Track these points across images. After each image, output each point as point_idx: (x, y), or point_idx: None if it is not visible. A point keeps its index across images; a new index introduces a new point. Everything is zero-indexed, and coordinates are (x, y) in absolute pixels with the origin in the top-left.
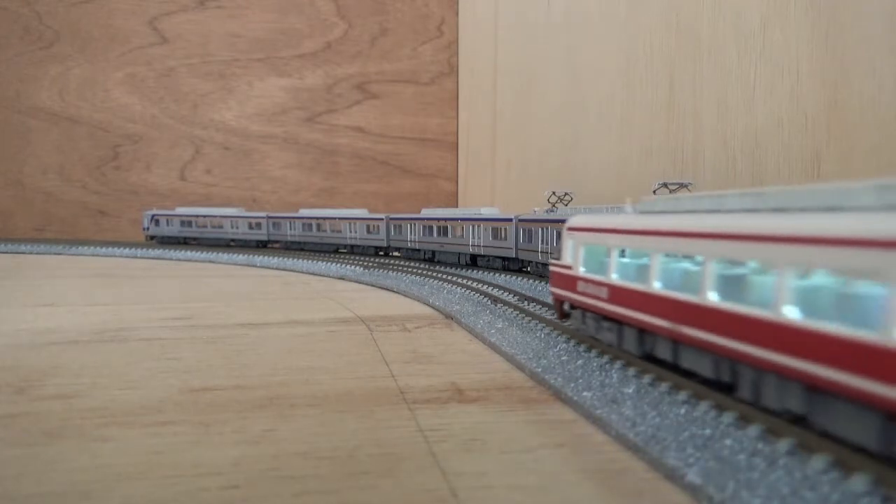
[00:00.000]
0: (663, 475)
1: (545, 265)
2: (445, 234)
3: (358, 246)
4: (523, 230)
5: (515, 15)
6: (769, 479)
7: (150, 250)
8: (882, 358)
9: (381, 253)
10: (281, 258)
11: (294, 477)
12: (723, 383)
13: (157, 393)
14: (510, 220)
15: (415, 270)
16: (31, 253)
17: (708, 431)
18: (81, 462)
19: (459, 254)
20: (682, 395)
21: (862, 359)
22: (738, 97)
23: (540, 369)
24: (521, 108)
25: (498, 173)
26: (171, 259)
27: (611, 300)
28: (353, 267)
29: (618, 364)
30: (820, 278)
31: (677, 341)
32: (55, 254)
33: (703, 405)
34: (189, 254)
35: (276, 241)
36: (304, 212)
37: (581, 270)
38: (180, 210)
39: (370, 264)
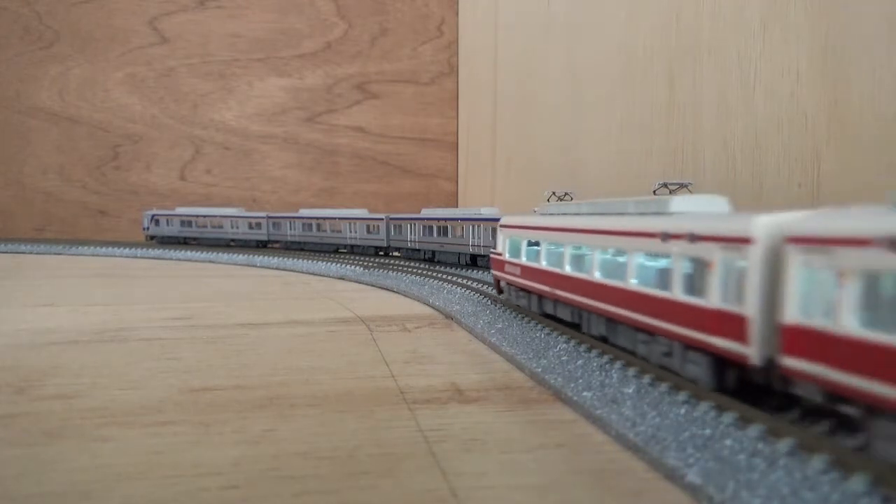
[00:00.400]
0: (663, 475)
1: None
2: (445, 234)
3: (358, 246)
4: None
5: (515, 15)
6: (769, 480)
7: (150, 250)
8: (645, 301)
9: (381, 253)
10: (281, 258)
11: (294, 477)
12: (575, 324)
13: (157, 393)
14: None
15: (415, 270)
16: (31, 253)
17: (708, 431)
18: (81, 462)
19: (459, 254)
20: (682, 396)
21: (634, 302)
22: (738, 97)
23: (540, 369)
24: (521, 108)
25: (498, 173)
26: (171, 259)
27: (522, 276)
28: (353, 267)
29: (618, 364)
30: (617, 256)
31: (555, 300)
32: (55, 254)
33: (703, 405)
34: (189, 254)
35: (276, 241)
36: (304, 212)
37: (506, 256)
38: (180, 210)
39: (370, 264)
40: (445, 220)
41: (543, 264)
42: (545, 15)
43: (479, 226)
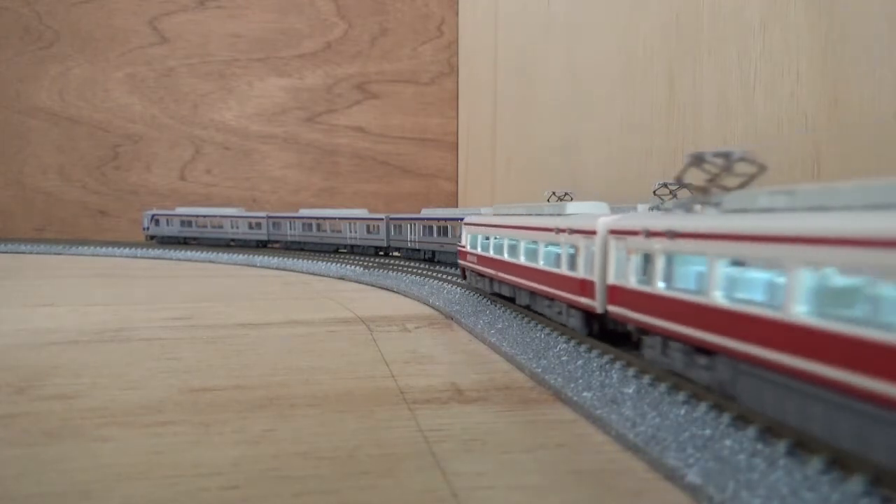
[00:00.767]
0: (663, 475)
1: None
2: (445, 234)
3: (358, 246)
4: None
5: (515, 15)
6: (769, 480)
7: (150, 250)
8: (548, 277)
9: (381, 253)
10: (281, 258)
11: (294, 477)
12: (511, 298)
13: (157, 393)
14: None
15: (415, 270)
16: (31, 253)
17: (708, 432)
18: (81, 462)
19: None
20: (682, 396)
21: (543, 278)
22: (738, 97)
23: (540, 369)
24: (521, 108)
25: (498, 173)
26: (171, 259)
27: (478, 264)
28: (353, 267)
29: (618, 364)
30: (533, 245)
31: (499, 281)
32: (55, 254)
33: (702, 405)
34: (189, 254)
35: (276, 241)
36: (304, 212)
37: (468, 248)
38: (180, 210)
39: (370, 264)
40: (445, 220)
41: (491, 254)
42: (545, 15)
43: None
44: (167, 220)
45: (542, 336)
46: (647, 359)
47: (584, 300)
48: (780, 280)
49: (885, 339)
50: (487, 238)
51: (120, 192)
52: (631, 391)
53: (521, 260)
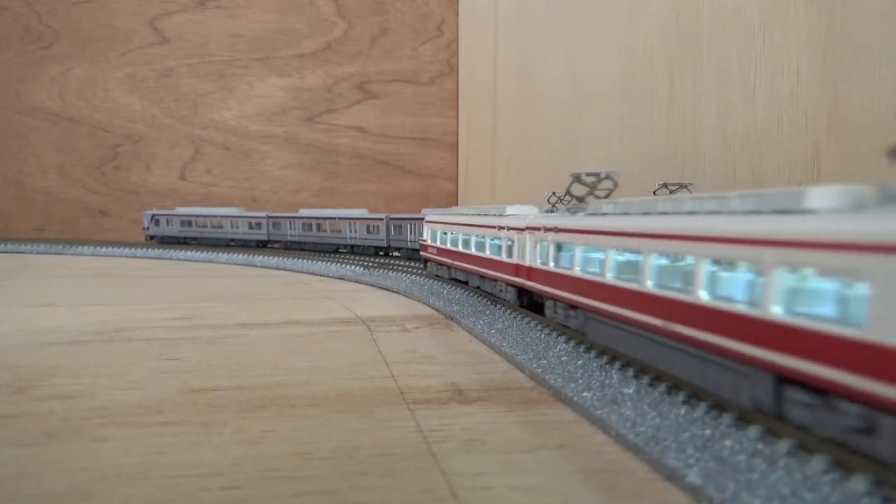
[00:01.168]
0: (663, 476)
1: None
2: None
3: (358, 246)
4: None
5: (515, 15)
6: (769, 480)
7: (150, 250)
8: (492, 263)
9: (381, 253)
10: (281, 258)
11: (294, 477)
12: (465, 282)
13: (157, 393)
14: None
15: (415, 270)
16: (31, 253)
17: (708, 432)
18: (81, 462)
19: None
20: (682, 396)
21: (488, 264)
22: (738, 97)
23: (540, 370)
24: (521, 108)
25: (498, 173)
26: (171, 259)
27: (438, 255)
28: (353, 267)
29: (618, 364)
30: (481, 239)
31: (456, 269)
32: (55, 254)
33: (702, 406)
34: (189, 254)
35: (276, 241)
36: (304, 212)
37: (429, 242)
38: (180, 210)
39: (370, 264)
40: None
41: (449, 246)
42: (545, 15)
43: None
44: (167, 220)
45: (542, 336)
46: (548, 316)
47: (516, 279)
48: (602, 258)
49: (650, 291)
50: (445, 233)
51: (120, 192)
52: (631, 391)
53: (473, 251)
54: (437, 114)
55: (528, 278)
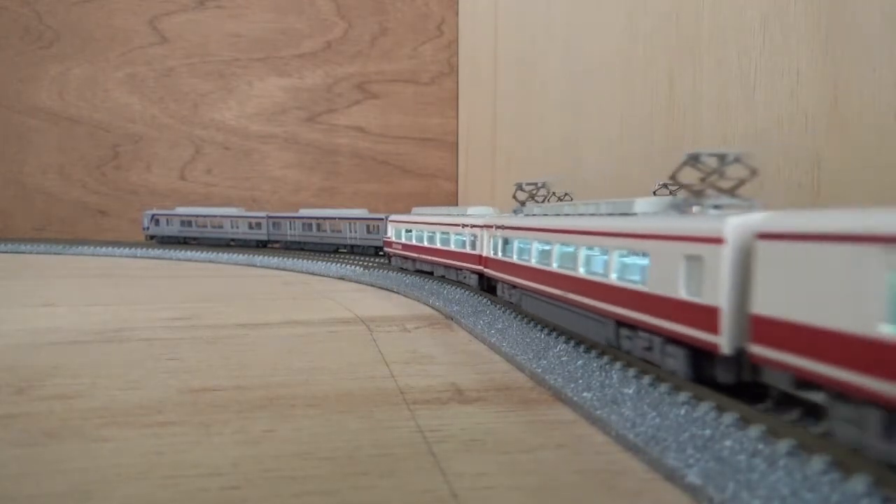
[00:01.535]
0: (663, 476)
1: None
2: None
3: (358, 246)
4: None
5: (515, 15)
6: (769, 480)
7: (150, 250)
8: (457, 255)
9: (382, 253)
10: (281, 258)
11: (294, 477)
12: (426, 272)
13: (157, 393)
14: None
15: (415, 270)
16: (31, 253)
17: (708, 432)
18: (81, 462)
19: None
20: (682, 396)
21: (453, 256)
22: (738, 97)
23: (540, 370)
24: (521, 107)
25: (498, 173)
26: (171, 259)
27: (403, 250)
28: (353, 267)
29: (618, 365)
30: (445, 235)
31: (420, 261)
32: (55, 254)
33: (703, 406)
34: (189, 254)
35: (276, 241)
36: (304, 212)
37: (394, 239)
38: (180, 210)
39: (370, 264)
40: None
41: (413, 241)
42: (545, 15)
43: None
44: (167, 220)
45: (542, 336)
46: (498, 295)
47: (478, 268)
48: (529, 248)
49: (556, 271)
50: (410, 231)
51: (120, 192)
52: (631, 391)
53: (439, 245)
54: (437, 114)
55: (485, 266)
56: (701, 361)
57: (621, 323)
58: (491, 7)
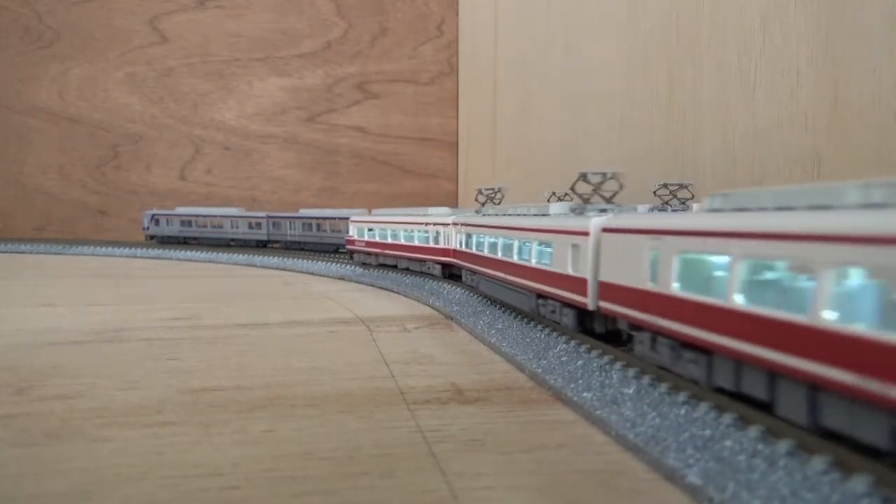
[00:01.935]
0: (663, 476)
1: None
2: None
3: None
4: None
5: (515, 15)
6: (769, 480)
7: (150, 250)
8: (421, 249)
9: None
10: (281, 258)
11: (294, 477)
12: (401, 267)
13: (157, 393)
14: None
15: (415, 270)
16: (31, 253)
17: (708, 432)
18: (81, 462)
19: None
20: (682, 396)
21: (418, 250)
22: (738, 97)
23: (540, 370)
24: (521, 107)
25: (498, 173)
26: (171, 259)
27: (366, 247)
28: (353, 267)
29: (618, 365)
30: (410, 233)
31: (385, 256)
32: (55, 254)
33: (703, 406)
34: (189, 254)
35: (276, 241)
36: (304, 212)
37: (356, 237)
38: (180, 210)
39: (370, 264)
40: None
41: (377, 239)
42: (545, 14)
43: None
44: (167, 220)
45: (542, 336)
46: (464, 281)
47: (443, 258)
48: (483, 242)
49: (500, 259)
50: (372, 229)
51: (120, 192)
52: (631, 391)
53: (401, 241)
54: (437, 114)
55: (453, 257)
56: (583, 318)
57: (539, 295)
58: (491, 7)
